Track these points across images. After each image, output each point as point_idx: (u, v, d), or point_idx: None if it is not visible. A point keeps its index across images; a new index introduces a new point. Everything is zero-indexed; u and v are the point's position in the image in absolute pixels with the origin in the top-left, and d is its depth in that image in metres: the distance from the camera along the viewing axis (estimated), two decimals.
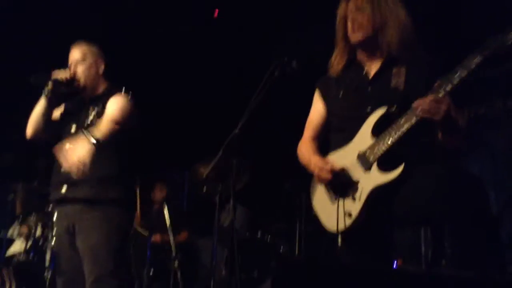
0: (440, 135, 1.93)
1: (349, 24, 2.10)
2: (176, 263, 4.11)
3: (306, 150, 2.26)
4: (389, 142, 1.93)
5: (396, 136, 1.91)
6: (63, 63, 2.74)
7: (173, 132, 5.33)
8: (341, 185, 2.02)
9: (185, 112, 5.42)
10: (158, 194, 4.91)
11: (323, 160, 2.13)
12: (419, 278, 1.74)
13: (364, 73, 2.14)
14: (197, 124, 5.38)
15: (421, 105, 1.80)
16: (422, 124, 1.89)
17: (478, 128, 3.79)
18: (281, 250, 4.14)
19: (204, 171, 2.95)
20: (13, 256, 4.15)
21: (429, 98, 1.79)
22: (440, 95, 1.80)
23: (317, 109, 2.30)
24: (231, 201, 3.14)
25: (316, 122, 2.30)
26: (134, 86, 2.72)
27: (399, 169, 1.90)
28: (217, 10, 5.10)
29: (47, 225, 3.85)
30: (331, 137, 2.23)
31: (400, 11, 2.07)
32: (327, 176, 2.04)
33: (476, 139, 3.72)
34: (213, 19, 5.11)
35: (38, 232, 3.90)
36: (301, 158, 2.29)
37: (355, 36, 2.09)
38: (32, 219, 4.08)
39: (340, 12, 2.15)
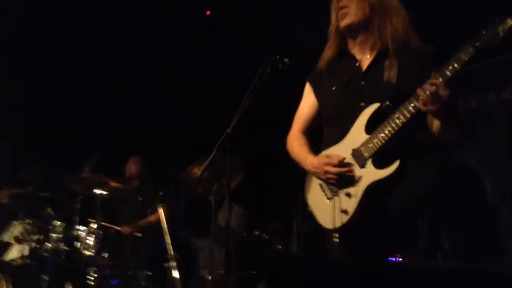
0: (438, 126, 1.91)
1: (339, 13, 2.09)
2: (173, 263, 4.09)
3: (298, 145, 2.24)
4: (383, 138, 1.92)
5: (390, 132, 1.90)
6: None
7: (165, 134, 5.29)
8: (341, 180, 2.00)
9: (177, 113, 5.39)
10: (132, 168, 4.86)
11: (321, 157, 2.10)
12: (416, 271, 1.73)
13: (357, 65, 2.11)
14: (189, 124, 5.35)
15: (421, 95, 1.78)
16: (416, 119, 1.87)
17: (473, 121, 3.78)
18: (278, 249, 4.13)
19: (198, 171, 2.93)
20: (10, 261, 4.11)
21: (430, 88, 1.76)
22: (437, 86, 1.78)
23: (308, 102, 2.28)
24: (226, 200, 3.12)
25: (307, 115, 2.28)
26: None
27: (395, 165, 1.89)
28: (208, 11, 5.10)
29: (43, 229, 3.83)
30: (324, 132, 2.21)
31: (394, 1, 2.06)
32: (334, 169, 2.00)
33: (471, 131, 3.71)
34: (204, 17, 5.08)
35: (35, 236, 3.87)
36: (292, 153, 2.27)
37: (344, 21, 2.08)
38: (27, 222, 4.05)
39: (333, 2, 2.14)
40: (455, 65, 1.75)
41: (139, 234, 4.34)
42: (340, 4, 2.08)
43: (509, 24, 1.65)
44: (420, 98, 1.79)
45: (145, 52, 5.29)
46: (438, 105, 1.76)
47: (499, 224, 3.33)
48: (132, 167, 4.88)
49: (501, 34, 1.66)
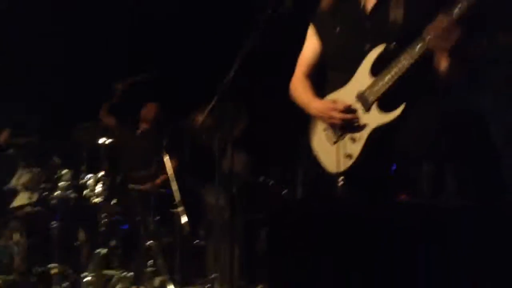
0: (446, 66, 1.86)
1: None
2: (181, 208, 4.16)
3: (303, 89, 2.22)
4: (388, 81, 1.88)
5: (396, 74, 1.86)
6: None
7: (167, 82, 5.24)
8: (346, 124, 1.98)
9: (178, 58, 5.32)
10: (149, 113, 4.90)
11: (327, 101, 2.08)
12: (422, 209, 1.75)
13: (361, 6, 2.04)
14: (191, 70, 5.29)
15: (432, 31, 1.73)
16: (423, 60, 1.83)
17: (478, 61, 3.71)
18: (283, 193, 4.18)
19: (201, 118, 2.92)
20: (19, 207, 4.20)
21: (440, 24, 1.71)
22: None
23: (312, 45, 2.23)
24: (229, 147, 3.13)
25: (311, 58, 2.24)
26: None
27: (400, 109, 1.87)
28: None
29: (51, 177, 3.89)
30: (328, 75, 2.18)
31: None
32: (339, 115, 1.99)
33: (476, 73, 3.65)
34: None
35: (43, 184, 3.93)
36: (296, 97, 2.25)
37: None
38: (35, 170, 4.10)
39: None
40: (463, 4, 1.68)
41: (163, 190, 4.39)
42: None
43: None
44: (428, 37, 1.74)
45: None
46: (448, 44, 1.71)
47: (504, 164, 3.34)
48: (150, 111, 4.88)
49: None
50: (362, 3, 2.05)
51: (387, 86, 1.89)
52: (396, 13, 1.93)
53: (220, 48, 4.51)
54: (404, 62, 1.84)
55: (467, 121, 1.91)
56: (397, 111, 1.87)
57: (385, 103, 1.91)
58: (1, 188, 4.19)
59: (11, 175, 4.11)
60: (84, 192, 3.84)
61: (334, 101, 2.04)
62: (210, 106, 2.49)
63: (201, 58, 5.17)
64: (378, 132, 1.93)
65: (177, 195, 4.02)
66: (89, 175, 3.88)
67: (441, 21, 1.70)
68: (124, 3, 5.16)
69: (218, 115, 3.26)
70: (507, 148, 3.43)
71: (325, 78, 2.19)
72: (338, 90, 2.07)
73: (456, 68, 1.84)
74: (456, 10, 1.69)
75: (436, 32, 1.71)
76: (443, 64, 1.87)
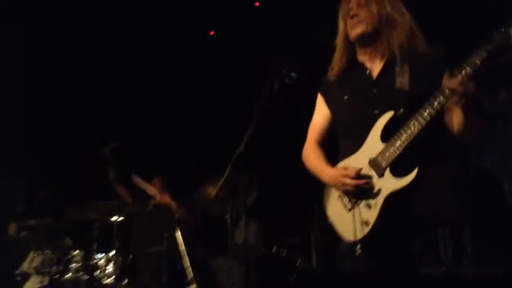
0: (461, 122, 1.87)
1: (350, 21, 2.08)
2: (193, 285, 4.06)
3: (315, 157, 2.23)
4: (400, 147, 1.90)
5: (406, 140, 1.88)
6: None
7: (177, 155, 5.30)
8: (360, 191, 1.98)
9: (189, 133, 5.41)
10: (156, 188, 4.86)
11: (339, 168, 2.09)
12: (443, 280, 1.70)
13: (367, 73, 2.10)
14: (200, 144, 5.36)
15: (449, 85, 1.75)
16: (432, 124, 1.85)
17: (485, 121, 3.74)
18: (298, 264, 4.08)
19: (213, 190, 2.92)
20: None
21: (457, 79, 1.74)
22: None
23: (322, 113, 2.27)
24: (243, 217, 3.11)
25: (321, 126, 2.27)
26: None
27: (413, 173, 1.86)
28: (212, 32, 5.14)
29: (62, 259, 3.84)
30: (340, 142, 2.20)
31: (403, 9, 2.06)
32: (352, 182, 1.98)
33: (485, 133, 3.67)
34: (208, 36, 5.12)
35: (54, 267, 3.87)
36: (309, 165, 2.26)
37: (355, 31, 2.07)
38: (47, 253, 4.06)
39: (342, 11, 2.14)
40: (468, 69, 1.73)
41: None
42: (351, 13, 2.07)
43: None
44: (439, 98, 1.77)
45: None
46: (464, 99, 1.74)
47: None
48: (154, 188, 4.88)
49: None
50: (368, 71, 2.11)
51: (398, 151, 1.90)
52: (402, 80, 1.98)
53: (230, 119, 4.61)
54: (413, 127, 1.86)
55: (481, 182, 1.89)
56: (411, 176, 1.87)
57: (398, 168, 1.91)
58: (13, 272, 4.12)
59: (24, 259, 4.06)
60: (95, 273, 3.77)
61: (346, 168, 2.04)
62: (224, 178, 2.50)
63: (210, 130, 5.26)
64: (394, 198, 1.91)
65: (189, 272, 3.94)
66: (100, 255, 3.83)
67: (453, 79, 1.74)
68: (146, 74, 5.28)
69: (230, 186, 3.27)
70: None
71: (336, 146, 2.21)
72: (350, 157, 2.08)
73: (472, 125, 1.86)
74: (466, 69, 1.73)
75: (451, 87, 1.74)
76: (457, 121, 1.89)
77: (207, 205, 3.79)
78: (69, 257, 3.76)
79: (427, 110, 1.83)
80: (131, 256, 4.10)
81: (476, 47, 1.71)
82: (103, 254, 3.82)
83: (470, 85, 1.72)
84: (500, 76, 3.60)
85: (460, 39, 1.85)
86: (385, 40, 2.04)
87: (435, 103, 1.81)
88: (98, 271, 3.75)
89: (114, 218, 3.99)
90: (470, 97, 1.74)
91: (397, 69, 2.01)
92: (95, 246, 3.91)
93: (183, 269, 4.06)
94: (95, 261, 3.81)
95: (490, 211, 3.22)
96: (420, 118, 1.85)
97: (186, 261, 3.94)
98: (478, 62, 1.71)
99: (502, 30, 1.66)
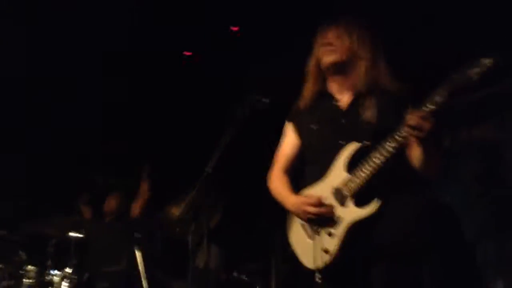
0: (420, 159, 1.92)
1: (323, 48, 2.13)
2: None
3: (281, 185, 2.25)
4: (363, 177, 1.94)
5: (369, 171, 1.92)
6: None
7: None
8: (322, 219, 2.00)
9: (152, 153, 5.35)
10: (112, 203, 4.76)
11: (302, 196, 2.11)
12: None
13: (337, 104, 2.15)
14: (163, 165, 5.31)
15: (408, 121, 1.80)
16: (395, 157, 1.90)
17: (445, 159, 3.86)
18: None
19: (176, 211, 2.89)
20: None
21: (416, 115, 1.79)
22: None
23: (290, 141, 2.30)
24: (205, 241, 3.07)
25: (289, 154, 2.30)
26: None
27: (375, 204, 1.90)
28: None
29: (15, 274, 3.70)
30: (305, 170, 2.22)
31: (371, 47, 2.12)
32: (313, 210, 2.00)
33: (444, 170, 3.78)
34: (182, 60, 5.13)
35: (6, 282, 3.73)
36: (274, 193, 2.27)
37: (329, 58, 2.11)
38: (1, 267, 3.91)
39: (318, 40, 2.18)
40: (430, 106, 1.79)
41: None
42: (326, 41, 2.13)
43: (476, 71, 1.70)
44: (401, 132, 1.82)
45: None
46: (423, 133, 1.79)
47: (476, 259, 3.36)
48: (111, 203, 4.78)
49: (474, 78, 1.71)
50: (337, 101, 2.16)
51: (361, 182, 1.94)
52: (370, 113, 2.04)
53: (194, 142, 4.60)
54: (377, 160, 1.91)
55: (441, 217, 1.94)
56: (373, 207, 1.91)
57: (361, 198, 1.94)
58: None
59: None
60: None
61: (310, 197, 2.06)
62: (189, 200, 2.48)
63: (176, 150, 5.23)
64: (355, 227, 1.94)
65: None
66: (55, 272, 3.71)
67: (413, 115, 1.79)
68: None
69: (194, 207, 3.24)
70: (479, 244, 3.47)
71: (302, 174, 2.24)
72: (314, 186, 2.11)
73: (429, 160, 1.91)
74: (427, 106, 1.79)
75: (410, 123, 1.79)
76: (417, 157, 1.95)
77: (170, 225, 3.73)
78: (22, 272, 3.62)
79: (390, 143, 1.89)
80: (87, 274, 3.99)
81: (438, 85, 1.78)
82: (58, 271, 3.71)
83: (427, 122, 1.78)
84: (462, 115, 3.75)
85: (429, 77, 1.91)
86: (357, 72, 2.10)
87: (398, 137, 1.87)
88: None
89: (72, 234, 3.88)
90: (427, 135, 1.79)
91: (365, 102, 2.07)
92: (50, 262, 3.79)
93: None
94: (49, 277, 3.69)
95: (449, 246, 3.30)
96: (384, 151, 1.90)
97: (145, 283, 3.85)
98: (439, 101, 1.77)
99: (464, 70, 1.74)
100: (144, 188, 4.69)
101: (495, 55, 1.68)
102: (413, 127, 1.79)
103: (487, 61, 1.68)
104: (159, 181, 5.09)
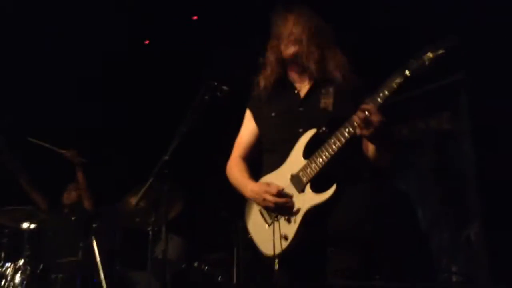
0: (372, 150, 1.97)
1: (285, 39, 2.13)
2: None
3: (239, 172, 2.24)
4: (320, 163, 1.95)
5: (326, 157, 1.94)
6: None
7: (98, 164, 5.10)
8: (281, 206, 2.00)
9: (111, 139, 5.24)
10: (72, 195, 4.66)
11: (261, 184, 2.10)
12: None
13: (296, 92, 2.16)
14: (123, 153, 5.20)
15: (355, 120, 1.84)
16: (351, 144, 1.92)
17: (403, 148, 3.94)
18: (219, 280, 4.04)
19: (134, 200, 2.84)
20: None
21: (362, 113, 1.82)
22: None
23: (249, 128, 2.30)
24: (164, 231, 3.03)
25: (247, 141, 2.29)
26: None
27: (332, 190, 1.92)
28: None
29: None
30: (264, 157, 2.22)
31: (331, 40, 2.15)
32: (272, 199, 2.01)
33: (402, 159, 3.86)
34: (142, 45, 5.04)
35: None
36: (232, 179, 2.26)
37: (290, 49, 2.12)
38: None
39: (276, 30, 2.17)
40: (386, 92, 1.82)
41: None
42: (287, 32, 2.13)
43: (430, 56, 1.74)
44: (354, 123, 1.85)
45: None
46: (371, 130, 1.82)
47: (432, 245, 3.46)
48: (72, 195, 4.65)
49: (426, 63, 1.75)
50: (296, 90, 2.17)
51: (318, 168, 1.96)
52: (327, 101, 2.05)
53: (155, 130, 4.53)
54: (333, 145, 1.93)
55: (396, 205, 1.98)
56: (329, 192, 1.92)
57: (318, 184, 1.96)
58: None
59: None
60: (1, 283, 3.53)
61: (268, 184, 2.07)
62: (145, 188, 2.44)
63: (135, 139, 5.14)
64: (312, 213, 1.96)
65: (104, 285, 3.78)
66: (8, 264, 3.59)
67: (364, 109, 1.82)
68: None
69: (154, 197, 3.19)
70: (434, 231, 3.58)
71: (260, 161, 2.23)
72: (273, 173, 2.11)
73: (381, 153, 1.95)
74: (378, 99, 1.82)
75: (359, 119, 1.82)
76: (370, 148, 1.98)
77: (128, 216, 3.66)
78: None
79: (347, 129, 1.91)
80: (41, 266, 3.87)
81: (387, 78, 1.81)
82: (11, 263, 3.59)
83: (376, 114, 1.81)
84: (419, 105, 3.83)
85: (386, 71, 1.94)
86: (314, 63, 2.10)
87: (351, 127, 1.89)
88: (4, 280, 3.51)
89: (26, 224, 3.76)
90: (377, 129, 1.81)
91: (323, 90, 2.08)
92: (3, 254, 3.67)
93: (98, 282, 3.90)
94: (2, 269, 3.57)
95: (403, 232, 3.38)
96: (340, 137, 1.92)
97: (101, 274, 3.78)
98: (395, 86, 1.80)
99: (419, 57, 1.77)
100: (80, 175, 4.59)
101: (449, 40, 1.72)
102: (361, 120, 1.81)
103: (440, 47, 1.73)
104: (120, 170, 5.01)
